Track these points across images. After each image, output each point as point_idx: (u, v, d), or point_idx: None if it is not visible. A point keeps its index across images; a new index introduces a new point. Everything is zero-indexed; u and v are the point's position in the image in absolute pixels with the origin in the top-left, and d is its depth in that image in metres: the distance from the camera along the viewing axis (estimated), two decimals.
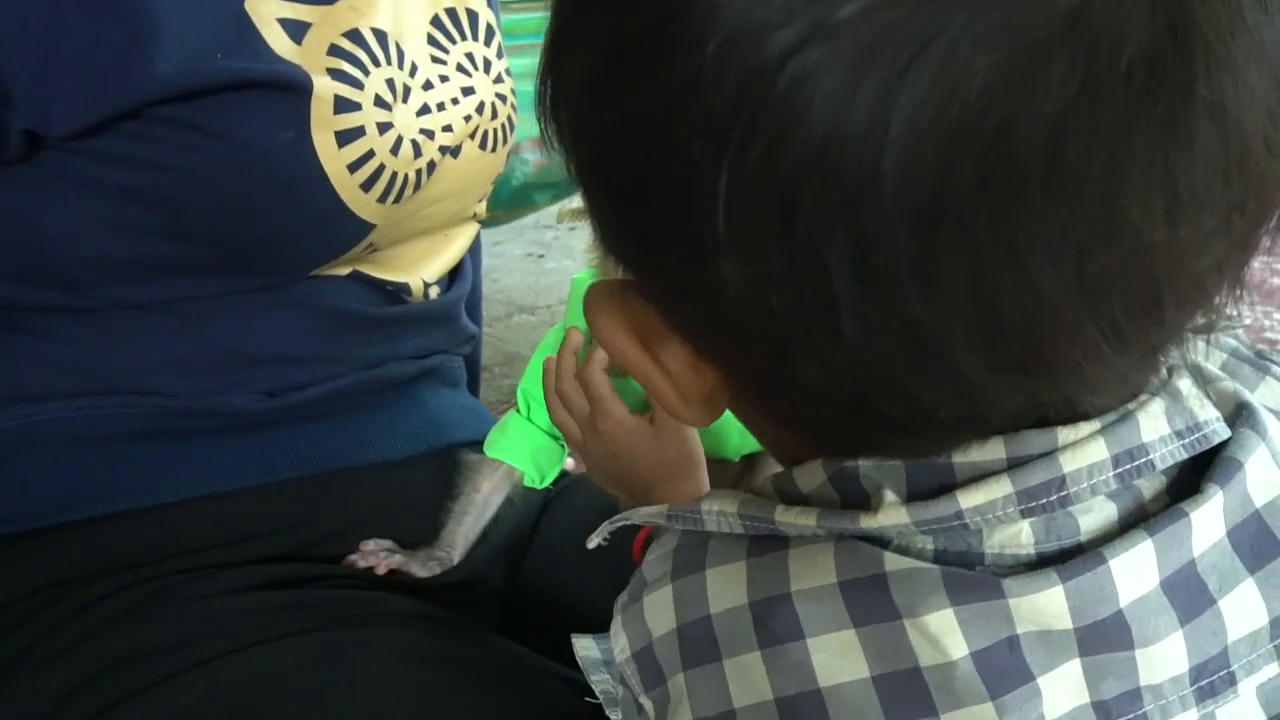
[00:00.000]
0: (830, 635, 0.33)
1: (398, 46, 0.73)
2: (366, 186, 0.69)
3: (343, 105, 0.67)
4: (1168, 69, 0.25)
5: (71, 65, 0.61)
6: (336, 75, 0.68)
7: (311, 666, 0.62)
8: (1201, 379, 0.36)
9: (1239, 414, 0.35)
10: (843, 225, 0.26)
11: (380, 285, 0.78)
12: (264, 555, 0.70)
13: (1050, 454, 0.32)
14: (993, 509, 0.32)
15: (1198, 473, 0.34)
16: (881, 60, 0.25)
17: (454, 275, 0.87)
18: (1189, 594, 0.33)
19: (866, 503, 0.34)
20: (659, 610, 0.37)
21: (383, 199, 0.70)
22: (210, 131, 0.63)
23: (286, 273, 0.72)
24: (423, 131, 0.72)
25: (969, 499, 0.32)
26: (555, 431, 0.74)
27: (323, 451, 0.75)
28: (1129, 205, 0.26)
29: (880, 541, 0.34)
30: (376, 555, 0.72)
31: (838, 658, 0.33)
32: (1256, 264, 0.30)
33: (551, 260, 2.61)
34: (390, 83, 0.71)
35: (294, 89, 0.65)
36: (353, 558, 0.73)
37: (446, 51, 0.77)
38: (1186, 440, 0.33)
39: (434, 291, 0.83)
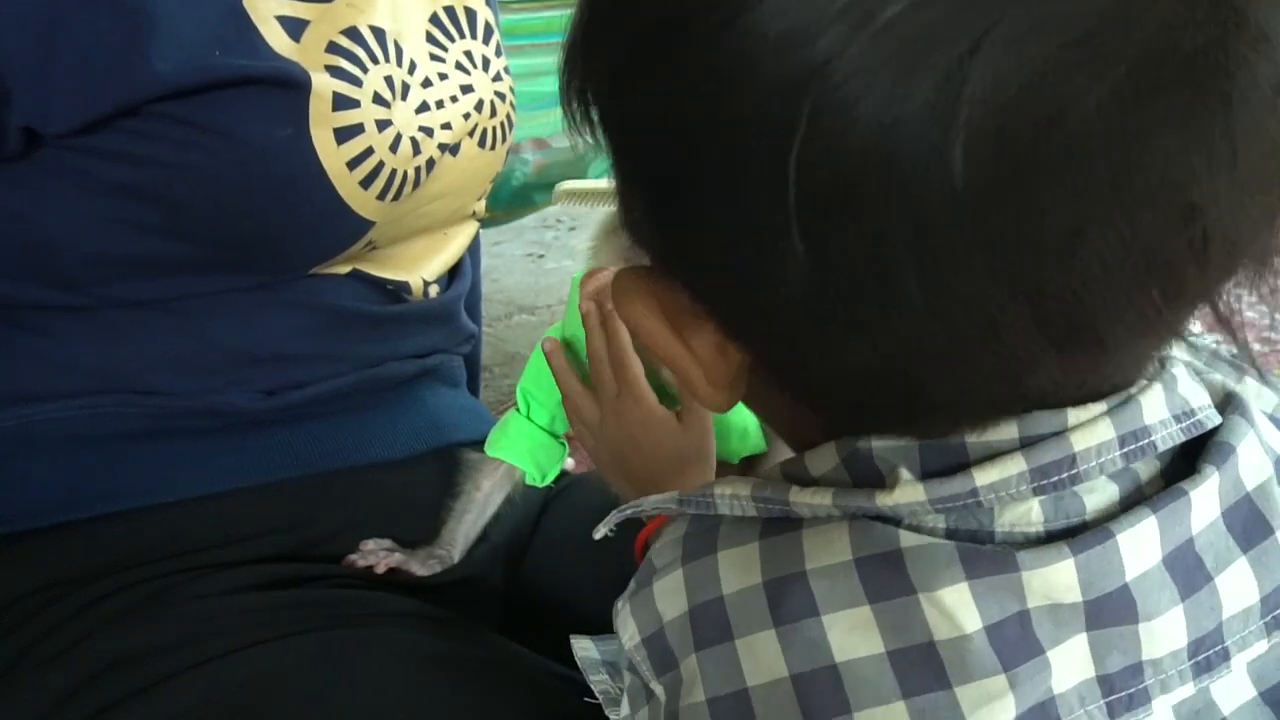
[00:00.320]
0: (845, 612, 0.34)
1: (396, 44, 0.72)
2: (365, 184, 0.69)
3: (341, 102, 0.67)
4: (1219, 51, 0.26)
5: (70, 63, 0.60)
6: (335, 72, 0.68)
7: (311, 666, 0.62)
8: (1193, 370, 0.37)
9: (1228, 402, 0.37)
10: (904, 213, 0.27)
11: (380, 284, 0.78)
12: (264, 555, 0.70)
13: (1061, 433, 0.33)
14: (1006, 486, 0.33)
15: (1188, 459, 0.35)
16: (936, 53, 0.26)
17: (453, 274, 0.87)
18: (1188, 570, 0.34)
19: (880, 482, 0.35)
20: (670, 594, 0.38)
21: (382, 196, 0.70)
22: (209, 128, 0.63)
23: (285, 270, 0.72)
24: (421, 129, 0.72)
25: (984, 476, 0.33)
26: (555, 430, 0.74)
27: (322, 451, 0.75)
28: (1187, 184, 0.27)
29: (893, 520, 0.35)
30: (376, 554, 0.72)
31: (852, 634, 0.34)
32: None
33: (551, 260, 2.61)
34: (389, 80, 0.71)
35: (292, 86, 0.65)
36: (352, 557, 0.72)
37: (445, 49, 0.77)
38: (1184, 424, 0.35)
39: (434, 290, 0.83)
